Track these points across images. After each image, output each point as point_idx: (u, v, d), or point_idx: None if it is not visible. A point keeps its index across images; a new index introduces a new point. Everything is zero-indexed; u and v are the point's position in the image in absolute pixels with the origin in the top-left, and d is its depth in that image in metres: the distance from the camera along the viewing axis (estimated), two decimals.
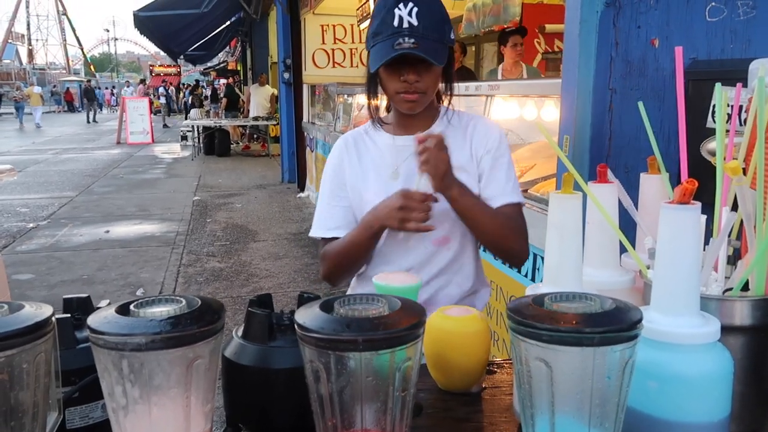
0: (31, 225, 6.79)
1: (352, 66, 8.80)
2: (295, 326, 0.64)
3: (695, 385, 0.71)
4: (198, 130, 13.74)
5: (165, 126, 22.33)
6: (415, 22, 1.29)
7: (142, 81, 27.63)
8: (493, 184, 1.41)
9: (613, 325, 0.61)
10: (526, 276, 2.34)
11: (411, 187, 1.33)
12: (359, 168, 1.47)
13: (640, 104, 1.06)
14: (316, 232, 1.47)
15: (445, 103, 1.48)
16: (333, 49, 8.76)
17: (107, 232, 6.48)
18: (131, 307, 0.66)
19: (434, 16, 1.32)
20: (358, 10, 7.19)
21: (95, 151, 14.30)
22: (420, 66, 1.32)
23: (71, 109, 36.95)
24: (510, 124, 2.98)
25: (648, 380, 0.71)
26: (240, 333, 0.87)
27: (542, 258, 2.25)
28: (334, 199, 1.47)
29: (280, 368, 0.82)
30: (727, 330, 0.74)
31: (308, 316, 0.64)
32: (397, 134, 1.48)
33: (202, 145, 13.67)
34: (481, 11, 6.24)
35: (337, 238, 1.43)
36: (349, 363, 0.61)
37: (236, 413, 0.86)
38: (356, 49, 8.85)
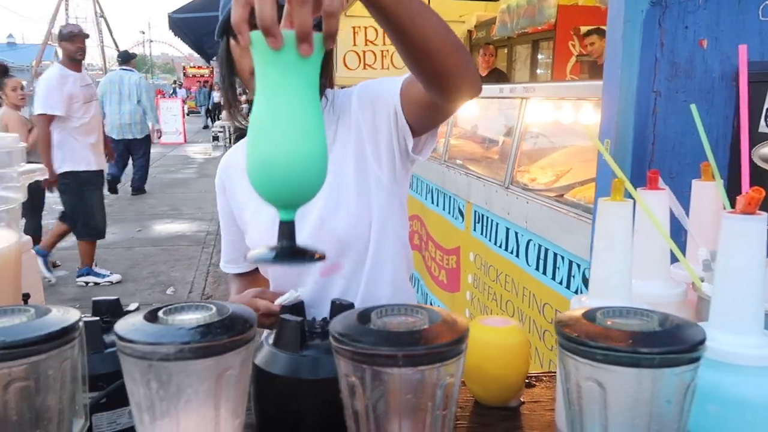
0: None
1: (383, 68, 8.78)
2: (330, 338, 0.61)
3: (759, 410, 0.66)
4: (229, 130, 13.87)
5: (206, 127, 22.52)
6: None
7: (175, 82, 28.02)
8: (383, 98, 1.12)
9: (674, 345, 0.56)
10: (561, 283, 2.28)
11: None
12: (238, 190, 1.27)
13: (693, 107, 1.01)
14: (221, 263, 1.39)
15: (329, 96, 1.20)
16: (364, 51, 8.74)
17: (139, 230, 6.56)
18: (159, 313, 0.63)
19: None
20: None
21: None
22: None
23: None
24: (545, 127, 2.91)
25: (707, 403, 0.66)
26: (271, 340, 0.84)
27: (578, 265, 2.19)
28: (224, 230, 1.34)
29: (313, 378, 0.78)
30: None
31: (344, 326, 0.60)
32: None
33: (230, 144, 13.80)
34: (515, 13, 6.16)
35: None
36: (386, 378, 0.57)
37: (265, 423, 0.83)
38: (387, 50, 8.82)
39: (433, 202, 3.83)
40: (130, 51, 9.05)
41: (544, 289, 2.40)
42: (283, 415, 0.81)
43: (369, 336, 0.58)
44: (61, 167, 4.48)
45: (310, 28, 0.57)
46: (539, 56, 7.36)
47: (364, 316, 0.63)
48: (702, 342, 0.57)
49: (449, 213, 3.51)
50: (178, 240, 6.21)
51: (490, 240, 2.94)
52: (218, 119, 16.91)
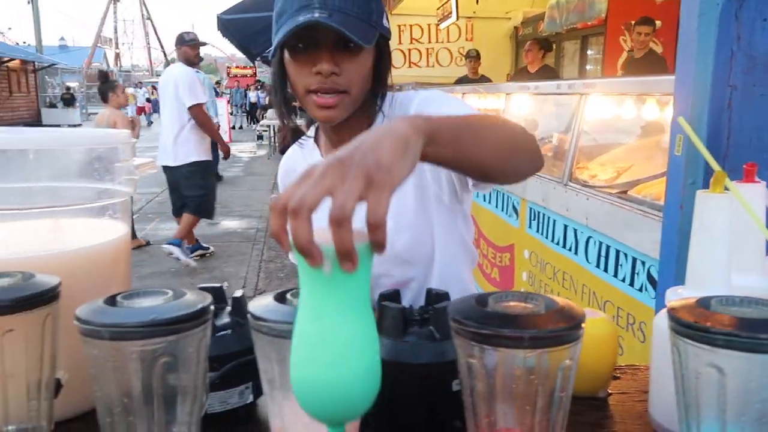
0: None
1: (428, 66, 8.81)
2: (451, 320, 0.64)
3: None
4: (273, 129, 14.09)
5: (240, 127, 22.98)
6: None
7: (218, 83, 28.68)
8: None
9: None
10: (623, 281, 2.26)
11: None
12: None
13: None
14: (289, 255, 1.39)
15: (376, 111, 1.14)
16: (409, 49, 8.78)
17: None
18: (288, 296, 0.67)
19: None
20: (438, 9, 7.17)
21: None
22: (339, 53, 0.99)
23: (156, 109, 38.72)
24: (604, 124, 2.89)
25: None
26: None
27: (642, 262, 2.17)
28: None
29: (415, 363, 0.81)
30: None
31: (465, 310, 0.63)
32: (326, 155, 1.21)
33: (277, 145, 14.01)
34: (565, 8, 6.10)
35: None
36: (510, 360, 0.60)
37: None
38: (432, 48, 8.85)
39: (485, 200, 3.83)
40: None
41: (606, 286, 2.38)
42: (384, 399, 0.84)
43: (493, 319, 0.60)
44: (188, 158, 5.00)
45: (351, 247, 0.50)
46: (588, 52, 7.25)
47: (481, 301, 0.65)
48: None
49: (503, 210, 3.50)
50: (230, 236, 6.36)
51: (546, 237, 2.93)
52: (258, 119, 17.15)
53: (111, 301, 0.67)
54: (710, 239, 0.80)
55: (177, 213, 5.40)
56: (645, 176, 2.33)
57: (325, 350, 0.53)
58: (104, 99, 5.55)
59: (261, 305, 0.65)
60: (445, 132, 0.68)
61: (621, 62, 6.11)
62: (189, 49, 5.20)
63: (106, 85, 5.61)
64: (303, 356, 0.54)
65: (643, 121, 2.54)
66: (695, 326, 0.59)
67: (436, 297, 0.90)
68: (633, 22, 5.23)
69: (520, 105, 3.66)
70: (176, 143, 5.01)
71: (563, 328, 0.60)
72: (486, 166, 0.82)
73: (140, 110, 24.16)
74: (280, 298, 0.67)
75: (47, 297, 0.72)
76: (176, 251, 5.19)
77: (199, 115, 4.98)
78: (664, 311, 0.84)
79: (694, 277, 0.82)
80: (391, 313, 0.85)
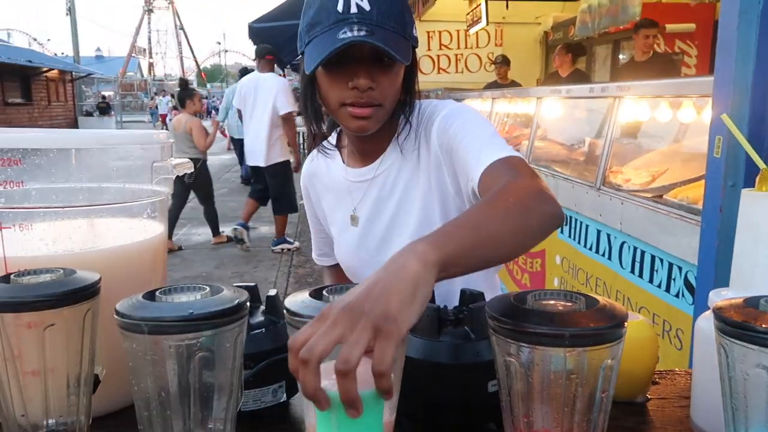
0: None
1: (457, 72, 8.79)
2: (488, 318, 0.63)
3: None
4: (303, 136, 14.20)
5: None
6: (366, 7, 0.96)
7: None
8: (464, 166, 1.02)
9: None
10: (659, 286, 2.21)
11: (373, 230, 1.16)
12: (323, 202, 1.29)
13: None
14: (312, 254, 1.45)
15: (402, 121, 1.13)
16: (438, 56, 8.78)
17: (222, 232, 6.80)
18: (324, 292, 0.67)
19: (393, 1, 0.99)
20: (468, 14, 7.16)
21: (210, 156, 15.12)
22: (375, 67, 0.99)
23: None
24: (638, 127, 2.84)
25: None
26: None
27: (679, 267, 2.12)
28: (313, 228, 1.38)
29: (451, 363, 0.80)
30: None
31: (503, 308, 0.62)
32: (349, 165, 1.20)
33: (306, 151, 14.10)
34: (597, 12, 6.02)
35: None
36: (549, 358, 0.59)
37: (403, 407, 0.85)
38: (461, 54, 8.83)
39: None
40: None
41: (640, 292, 2.33)
42: (420, 399, 0.83)
43: (533, 316, 0.59)
44: (277, 159, 5.58)
45: (355, 396, 0.53)
46: (621, 56, 7.15)
47: (520, 299, 0.64)
48: None
49: None
50: (260, 242, 6.40)
51: (579, 243, 2.89)
52: None
53: (150, 296, 0.67)
54: (756, 238, 0.77)
55: (254, 196, 6.06)
56: (681, 180, 2.28)
57: None
58: (182, 105, 6.01)
59: (297, 301, 0.65)
60: (457, 254, 0.67)
61: (619, 68, 6.03)
62: (270, 60, 5.68)
63: (184, 93, 6.08)
64: None
65: (678, 123, 2.49)
66: (744, 326, 0.58)
67: (470, 297, 0.89)
68: (636, 25, 5.14)
69: (552, 109, 3.63)
70: (269, 146, 5.52)
71: (605, 326, 0.58)
72: (501, 260, 0.84)
73: (163, 117, 24.74)
74: (316, 294, 0.67)
75: (88, 293, 0.74)
76: (244, 233, 5.99)
77: (291, 122, 5.54)
78: (706, 313, 0.82)
79: (740, 277, 0.79)
80: (426, 313, 0.84)
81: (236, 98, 5.87)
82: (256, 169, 5.80)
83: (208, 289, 0.69)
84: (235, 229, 6.04)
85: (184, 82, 6.58)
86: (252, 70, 9.80)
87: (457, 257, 0.66)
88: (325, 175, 1.27)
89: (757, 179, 0.79)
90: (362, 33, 0.94)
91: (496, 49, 8.58)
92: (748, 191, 0.79)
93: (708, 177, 1.68)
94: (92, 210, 0.96)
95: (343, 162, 1.23)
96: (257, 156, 5.63)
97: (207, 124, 7.35)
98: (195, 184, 5.84)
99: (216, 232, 6.37)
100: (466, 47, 8.78)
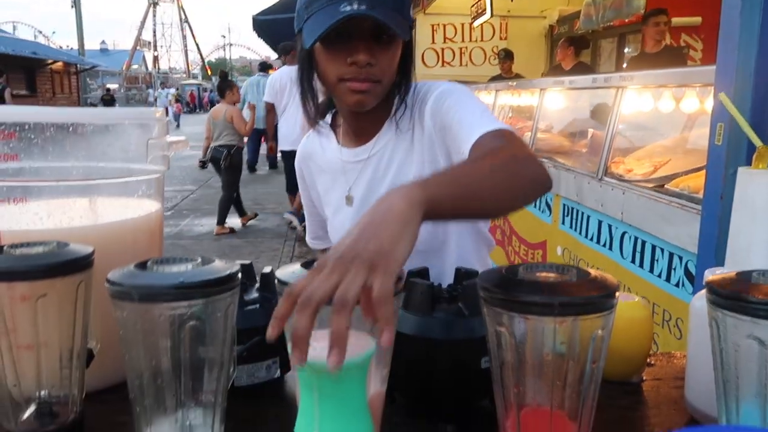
0: None
1: (461, 65, 8.75)
2: (480, 289, 0.62)
3: None
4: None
5: None
6: None
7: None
8: (455, 140, 1.02)
9: None
10: (659, 276, 2.21)
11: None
12: (318, 183, 1.29)
13: None
14: (306, 238, 1.45)
15: (397, 102, 1.13)
16: (443, 48, 8.73)
17: (226, 223, 6.82)
18: (315, 264, 0.67)
19: None
20: (472, 7, 7.12)
21: None
22: (374, 44, 1.00)
23: (191, 110, 39.53)
24: (641, 117, 2.83)
25: None
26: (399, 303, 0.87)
27: (679, 257, 2.11)
28: (307, 209, 1.38)
29: (444, 339, 0.80)
30: None
31: (495, 279, 0.62)
32: (343, 144, 1.21)
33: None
34: (602, 5, 5.99)
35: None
36: (540, 328, 0.59)
37: (396, 383, 0.85)
38: (466, 47, 8.78)
39: None
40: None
41: (641, 282, 2.33)
42: (413, 375, 0.83)
43: (523, 286, 0.59)
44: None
45: (344, 334, 0.53)
46: (626, 50, 7.11)
47: (511, 270, 0.64)
48: None
49: (535, 206, 3.46)
50: (262, 233, 6.42)
51: (580, 233, 2.88)
52: None
53: (141, 266, 0.67)
54: (752, 216, 0.77)
55: (291, 191, 6.27)
56: (683, 170, 2.27)
57: None
58: (221, 95, 6.37)
59: (288, 272, 0.65)
60: (443, 196, 0.69)
61: (626, 64, 5.96)
62: (295, 55, 5.89)
63: (224, 83, 6.49)
64: None
65: (681, 114, 2.47)
66: (735, 296, 0.57)
67: (465, 275, 0.89)
68: (645, 16, 5.08)
69: (554, 100, 3.61)
70: (302, 133, 5.54)
71: (596, 296, 0.58)
72: (485, 214, 0.89)
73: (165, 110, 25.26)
74: (307, 265, 0.67)
75: (81, 264, 0.74)
76: (294, 219, 6.11)
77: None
78: (701, 292, 0.81)
79: (735, 255, 0.79)
80: (419, 290, 0.84)
81: (269, 91, 5.99)
82: (289, 156, 5.88)
83: (199, 260, 0.69)
84: (285, 216, 6.42)
85: (224, 74, 7.25)
86: (270, 65, 10.27)
87: (441, 199, 0.68)
88: (320, 157, 1.27)
89: (754, 157, 0.78)
90: (363, 7, 0.95)
91: (500, 42, 8.53)
92: (745, 169, 0.79)
93: (709, 165, 1.67)
94: (88, 188, 0.96)
95: (338, 143, 1.23)
96: (294, 141, 5.79)
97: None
98: (227, 169, 6.19)
99: (221, 221, 6.41)
100: (470, 41, 8.74)
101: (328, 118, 1.27)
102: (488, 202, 0.79)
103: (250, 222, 6.88)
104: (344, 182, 1.22)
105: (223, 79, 6.77)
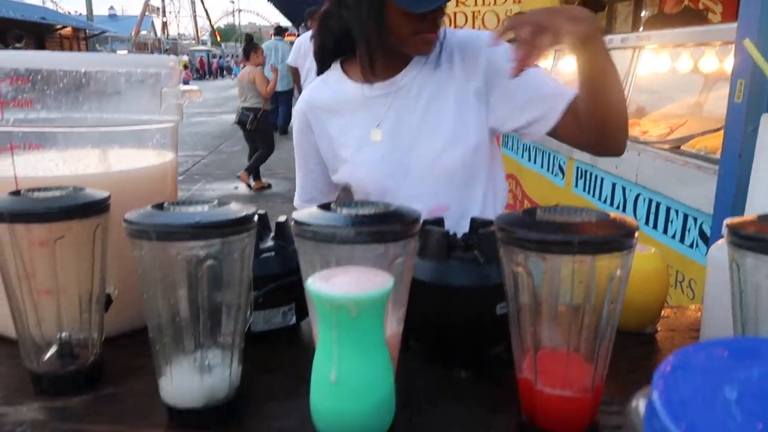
0: None
1: (474, 29, 8.61)
2: (497, 231, 0.62)
3: None
4: None
5: None
6: None
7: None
8: (540, 97, 1.19)
9: None
10: (673, 237, 2.19)
11: (398, 140, 1.21)
12: (329, 128, 1.30)
13: None
14: (295, 201, 1.44)
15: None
16: (455, 12, 8.54)
17: (236, 188, 6.84)
18: (332, 205, 0.67)
19: None
20: None
21: (222, 115, 15.08)
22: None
23: (201, 77, 39.31)
24: (658, 78, 2.78)
25: None
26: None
27: (694, 218, 2.09)
28: (304, 168, 1.39)
29: (459, 285, 0.80)
30: None
31: (512, 220, 0.61)
32: (367, 82, 1.26)
33: None
34: None
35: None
36: (559, 267, 0.58)
37: (411, 329, 0.86)
38: (478, 12, 8.59)
39: (530, 160, 3.76)
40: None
41: (654, 243, 2.32)
42: (428, 321, 0.83)
43: (541, 226, 0.59)
44: None
45: (535, 48, 0.92)
46: (642, 14, 6.96)
47: (530, 212, 0.64)
48: None
49: (548, 170, 3.43)
50: (273, 197, 6.43)
51: (593, 196, 2.86)
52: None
53: (159, 207, 0.67)
54: None
55: None
56: (700, 131, 2.24)
57: (342, 387, 0.59)
58: (246, 57, 6.66)
59: (305, 214, 0.65)
60: (605, 52, 1.04)
61: (642, 28, 5.81)
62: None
63: (249, 46, 6.78)
64: (322, 391, 0.60)
65: (700, 75, 2.43)
66: (757, 237, 0.57)
67: (480, 224, 0.88)
68: None
69: (570, 62, 3.55)
70: None
71: (615, 234, 0.57)
72: (608, 96, 1.09)
73: None
74: (324, 207, 0.66)
75: (97, 208, 0.74)
76: None
77: None
78: (719, 242, 0.81)
79: (755, 201, 0.78)
80: (435, 237, 0.84)
81: (293, 55, 5.96)
82: None
83: (216, 201, 0.69)
84: None
85: (249, 37, 7.22)
86: (286, 29, 10.34)
87: (604, 50, 1.03)
88: (330, 100, 1.29)
89: None
90: None
91: (514, 6, 8.34)
92: (767, 114, 0.77)
93: (728, 123, 1.64)
94: (102, 138, 0.96)
95: (355, 82, 1.27)
96: None
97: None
98: (256, 133, 6.40)
99: (257, 177, 6.72)
100: (483, 4, 8.55)
101: (336, 66, 1.32)
102: (615, 94, 1.08)
103: (264, 186, 6.91)
104: (368, 118, 1.25)
105: (249, 42, 6.99)
